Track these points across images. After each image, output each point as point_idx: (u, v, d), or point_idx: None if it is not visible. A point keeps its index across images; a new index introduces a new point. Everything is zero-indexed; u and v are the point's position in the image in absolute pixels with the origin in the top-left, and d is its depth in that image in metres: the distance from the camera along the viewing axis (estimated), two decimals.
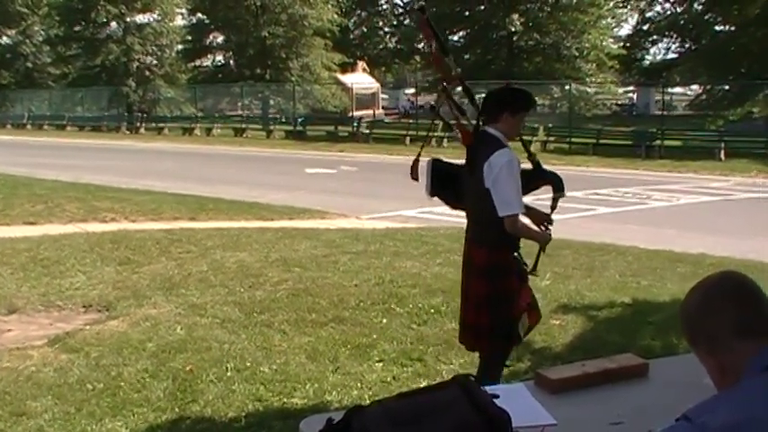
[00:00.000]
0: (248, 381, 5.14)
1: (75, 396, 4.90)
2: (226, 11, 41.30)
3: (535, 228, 4.30)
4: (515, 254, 4.18)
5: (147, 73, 45.69)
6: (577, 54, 35.39)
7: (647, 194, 15.98)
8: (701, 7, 34.71)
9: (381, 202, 15.14)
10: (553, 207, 4.43)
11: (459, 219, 12.42)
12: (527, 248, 4.30)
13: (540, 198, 4.61)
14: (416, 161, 4.47)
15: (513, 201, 4.01)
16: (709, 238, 11.34)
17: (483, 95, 4.31)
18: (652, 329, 6.25)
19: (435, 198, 4.52)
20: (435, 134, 30.86)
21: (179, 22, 47.24)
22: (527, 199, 4.22)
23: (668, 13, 37.66)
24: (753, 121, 27.80)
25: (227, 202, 14.70)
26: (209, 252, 9.34)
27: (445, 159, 4.54)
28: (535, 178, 4.42)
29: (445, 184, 4.41)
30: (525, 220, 4.20)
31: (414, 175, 4.46)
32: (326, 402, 4.81)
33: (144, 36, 45.33)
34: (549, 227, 4.37)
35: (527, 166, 4.35)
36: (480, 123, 4.21)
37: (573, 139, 27.78)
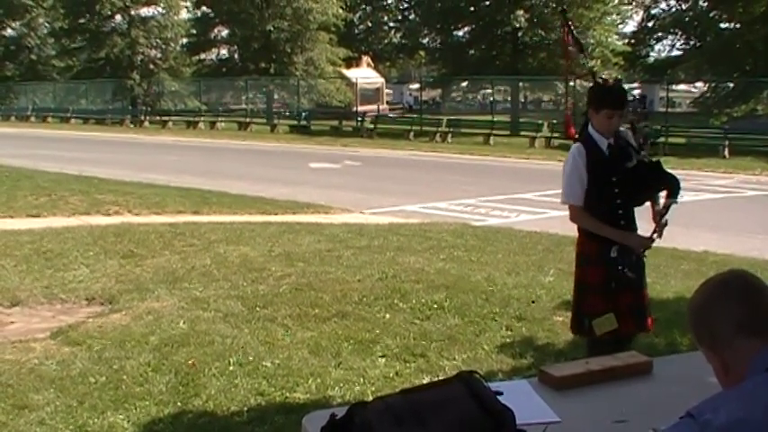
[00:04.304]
0: (251, 375, 5.13)
1: (77, 389, 4.89)
2: (230, 4, 41.31)
3: (602, 225, 4.16)
4: (612, 251, 4.11)
5: (152, 66, 45.75)
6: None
7: None
8: (705, 4, 34.66)
9: (385, 197, 15.13)
10: (662, 213, 4.33)
11: (462, 215, 12.38)
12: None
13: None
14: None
15: (568, 191, 4.19)
16: (712, 235, 11.32)
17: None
18: (656, 327, 6.21)
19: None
20: (440, 129, 31.04)
21: (183, 15, 47.37)
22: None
23: (673, 10, 37.58)
24: (757, 119, 27.74)
25: (231, 196, 14.70)
26: (212, 246, 9.34)
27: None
28: (655, 180, 4.35)
29: None
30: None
31: None
32: (329, 398, 4.80)
33: (148, 29, 45.40)
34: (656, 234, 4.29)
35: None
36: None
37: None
